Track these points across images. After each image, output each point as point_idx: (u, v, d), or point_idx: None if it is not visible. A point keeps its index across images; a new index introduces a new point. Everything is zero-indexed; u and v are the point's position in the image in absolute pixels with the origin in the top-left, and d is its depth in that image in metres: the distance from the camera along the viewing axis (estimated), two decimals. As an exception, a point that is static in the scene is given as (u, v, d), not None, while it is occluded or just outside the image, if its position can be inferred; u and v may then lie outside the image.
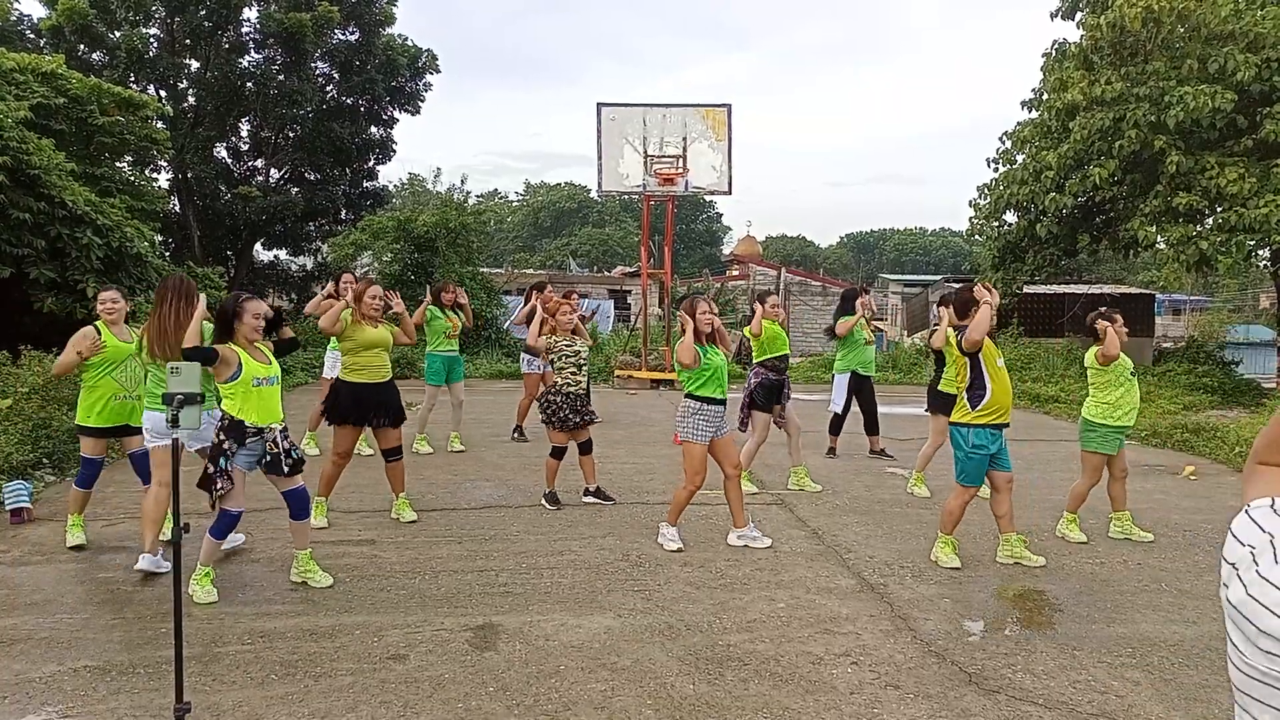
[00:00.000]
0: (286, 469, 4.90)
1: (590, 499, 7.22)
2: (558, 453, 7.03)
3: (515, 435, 10.18)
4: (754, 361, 7.62)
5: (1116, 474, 6.37)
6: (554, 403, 6.93)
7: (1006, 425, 5.68)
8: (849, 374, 9.03)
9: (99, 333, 5.69)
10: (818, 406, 11.46)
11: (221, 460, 4.73)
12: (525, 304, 9.82)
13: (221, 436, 4.76)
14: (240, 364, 4.77)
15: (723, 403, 5.99)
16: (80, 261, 11.28)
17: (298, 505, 5.04)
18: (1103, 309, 6.48)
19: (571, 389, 6.96)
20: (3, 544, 5.93)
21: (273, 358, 5.04)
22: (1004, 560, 5.78)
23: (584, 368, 7.10)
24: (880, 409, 9.58)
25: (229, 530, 4.89)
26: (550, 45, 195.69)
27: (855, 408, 9.25)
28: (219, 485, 4.72)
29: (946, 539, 5.77)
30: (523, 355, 10.45)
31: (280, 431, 4.91)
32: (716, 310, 6.19)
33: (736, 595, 5.13)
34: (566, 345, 7.02)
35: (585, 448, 7.13)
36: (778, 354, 7.58)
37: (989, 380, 5.55)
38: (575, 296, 10.03)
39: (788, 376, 7.76)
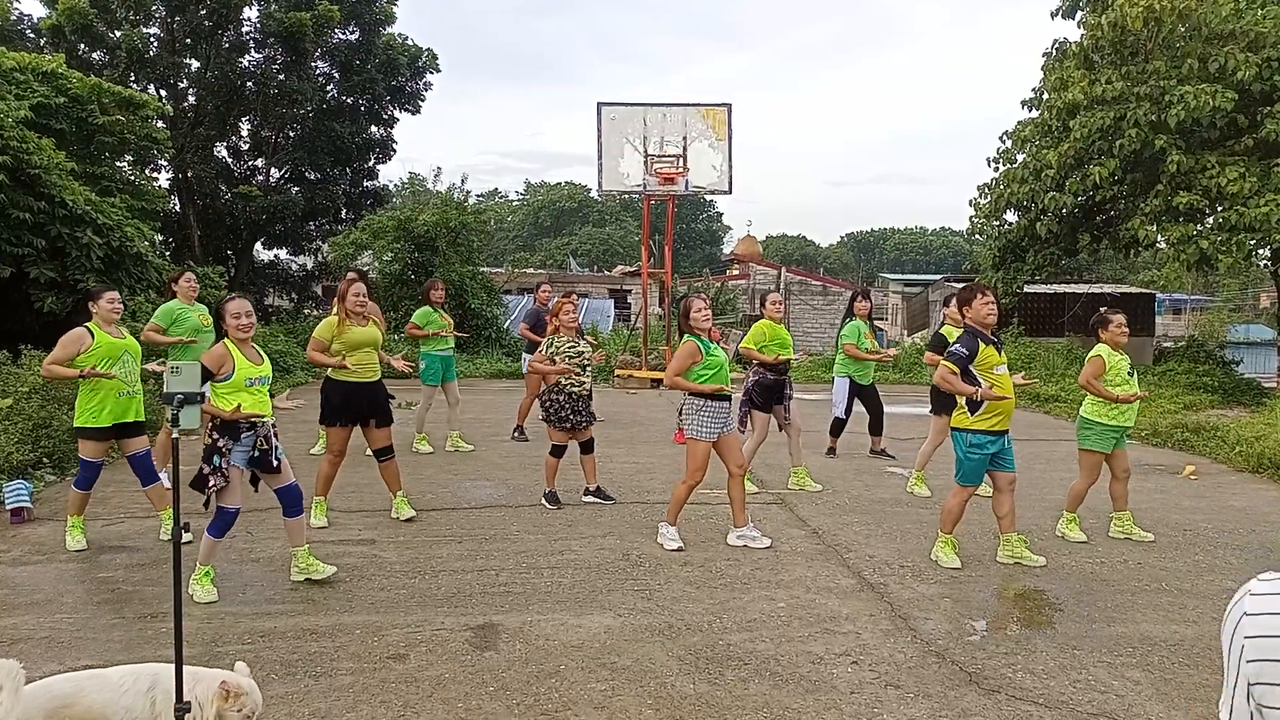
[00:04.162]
0: (276, 464, 4.95)
1: (590, 498, 7.22)
2: (558, 451, 7.02)
3: (515, 435, 10.17)
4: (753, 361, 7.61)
5: (1119, 474, 6.36)
6: (556, 401, 6.93)
7: (1006, 431, 5.64)
8: (848, 379, 9.01)
9: (91, 334, 5.65)
10: (818, 406, 11.45)
11: (216, 458, 4.75)
12: (534, 303, 10.03)
13: (215, 435, 4.78)
14: (234, 365, 4.82)
15: (727, 399, 5.99)
16: (80, 261, 11.28)
17: (290, 502, 5.07)
18: (1103, 309, 6.44)
19: (574, 389, 6.96)
20: (3, 544, 5.93)
21: (265, 357, 5.08)
22: (1004, 560, 5.77)
23: (587, 368, 7.09)
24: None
25: (227, 528, 4.91)
26: (551, 45, 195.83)
27: (860, 408, 9.24)
28: (213, 483, 4.75)
29: (947, 538, 5.77)
30: (524, 356, 10.47)
31: (270, 426, 4.97)
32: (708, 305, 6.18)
33: (737, 595, 5.13)
34: (569, 346, 7.00)
35: (587, 447, 7.12)
36: (776, 355, 7.56)
37: (984, 386, 5.52)
38: (574, 297, 10.06)
39: (788, 377, 7.74)
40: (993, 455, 5.61)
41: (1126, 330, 6.27)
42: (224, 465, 4.76)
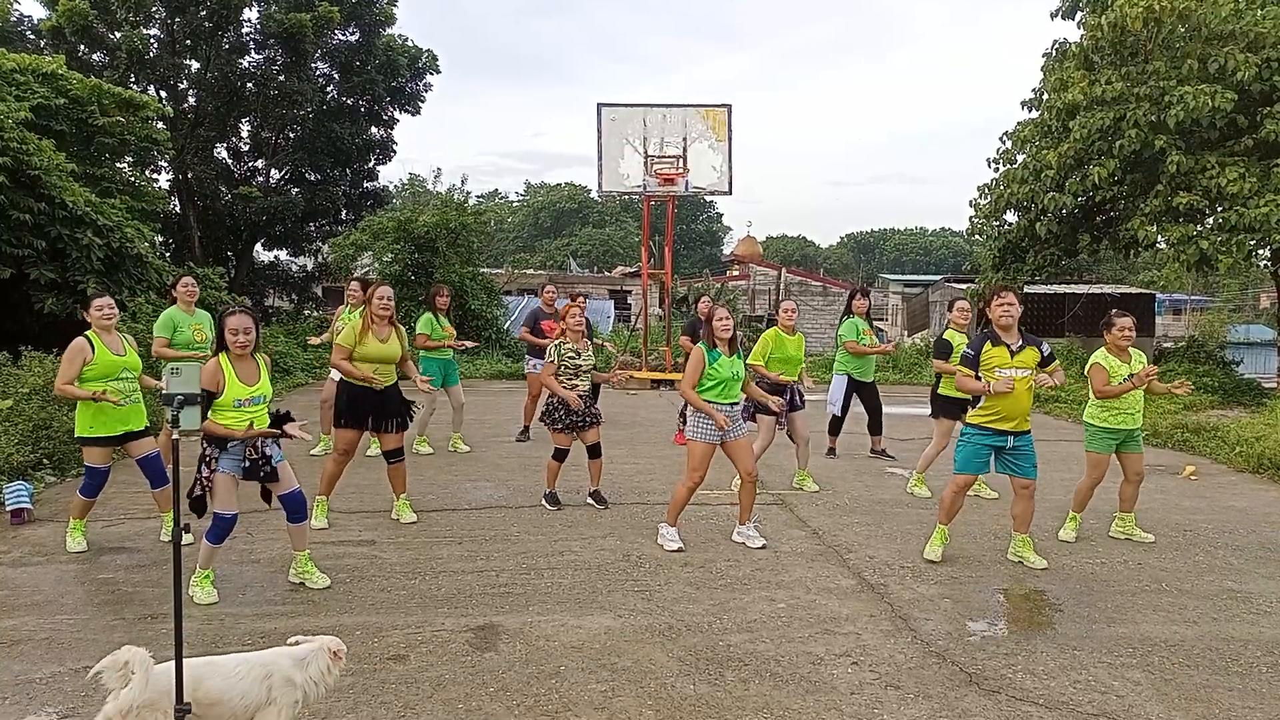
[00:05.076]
0: (263, 475, 4.91)
1: (590, 501, 7.22)
2: (559, 455, 7.01)
3: (520, 436, 10.17)
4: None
5: (1130, 476, 6.34)
6: (550, 404, 6.94)
7: (1009, 434, 5.61)
8: (846, 377, 9.04)
9: (91, 345, 5.61)
10: (816, 406, 11.43)
11: (202, 467, 4.78)
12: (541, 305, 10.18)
13: (204, 445, 4.79)
14: (224, 384, 4.77)
15: (734, 404, 5.99)
16: (81, 262, 11.28)
17: (293, 509, 5.06)
18: (1113, 311, 6.40)
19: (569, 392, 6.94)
20: (3, 545, 5.94)
21: (265, 376, 5.01)
22: (1011, 557, 5.80)
23: (585, 374, 7.05)
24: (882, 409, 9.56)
25: (225, 534, 4.90)
26: (551, 45, 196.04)
27: (859, 408, 9.25)
28: (196, 490, 4.76)
29: (940, 530, 5.83)
30: (527, 356, 10.47)
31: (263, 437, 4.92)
32: (730, 315, 6.09)
33: (737, 595, 5.13)
34: (570, 356, 6.96)
35: (593, 451, 7.10)
36: (779, 374, 7.58)
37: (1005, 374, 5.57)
38: (582, 300, 10.09)
39: (790, 384, 7.73)
40: (1003, 455, 5.65)
41: (1129, 335, 6.19)
42: (206, 474, 4.78)
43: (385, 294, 6.27)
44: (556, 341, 7.05)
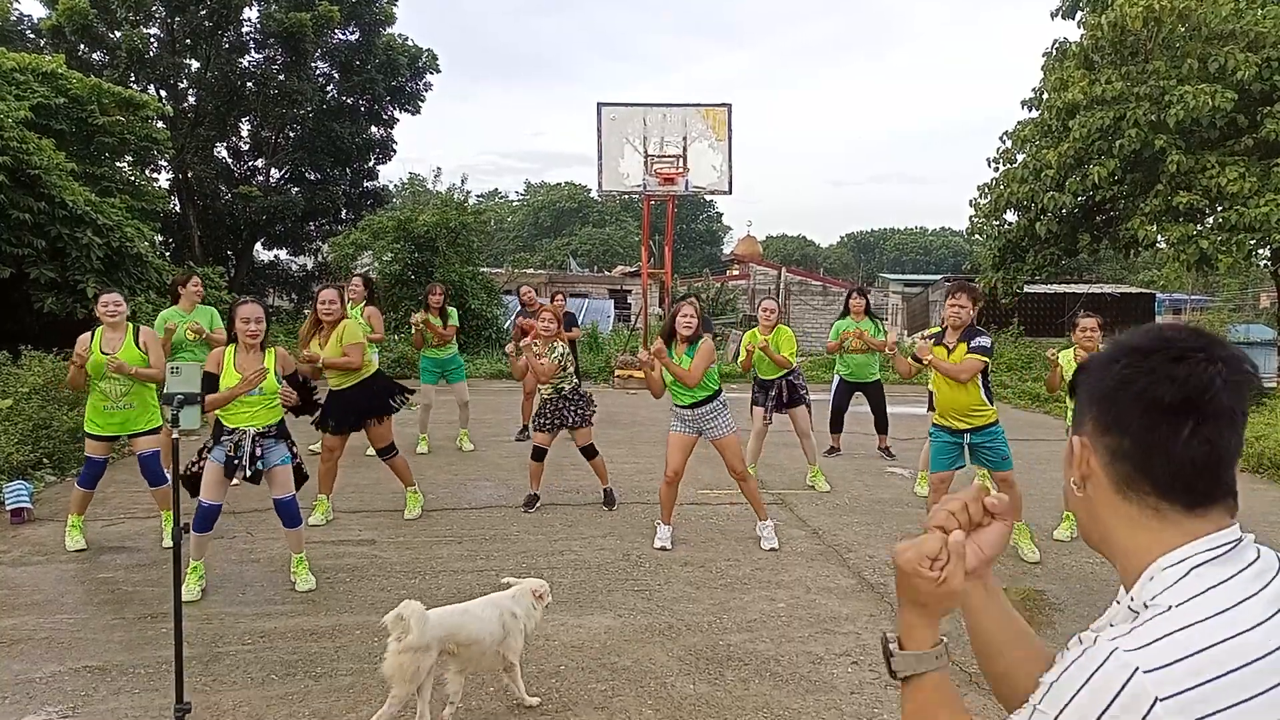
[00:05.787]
0: (239, 478, 5.01)
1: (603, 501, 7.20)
2: (535, 454, 7.02)
3: (519, 435, 10.17)
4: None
5: None
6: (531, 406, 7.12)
7: (965, 431, 5.70)
8: (836, 377, 9.16)
9: (91, 338, 5.73)
10: (816, 406, 11.43)
11: (199, 452, 4.98)
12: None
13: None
14: (221, 372, 4.92)
15: (689, 406, 5.96)
16: (80, 261, 11.28)
17: (284, 515, 5.15)
18: (1082, 313, 6.43)
19: (539, 395, 7.06)
20: (3, 544, 5.94)
21: (271, 368, 5.06)
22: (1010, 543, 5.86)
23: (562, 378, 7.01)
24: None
25: (208, 522, 4.98)
26: (550, 44, 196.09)
27: (863, 407, 9.29)
28: (193, 468, 4.94)
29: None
30: None
31: (254, 436, 4.95)
32: (696, 314, 6.08)
33: (737, 595, 5.13)
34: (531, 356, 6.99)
35: (585, 453, 7.10)
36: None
37: (932, 385, 5.83)
38: (561, 298, 10.07)
39: (782, 380, 7.75)
40: (975, 451, 5.74)
41: (1092, 336, 6.12)
42: (200, 458, 4.98)
43: (325, 297, 6.30)
44: (527, 341, 7.13)
